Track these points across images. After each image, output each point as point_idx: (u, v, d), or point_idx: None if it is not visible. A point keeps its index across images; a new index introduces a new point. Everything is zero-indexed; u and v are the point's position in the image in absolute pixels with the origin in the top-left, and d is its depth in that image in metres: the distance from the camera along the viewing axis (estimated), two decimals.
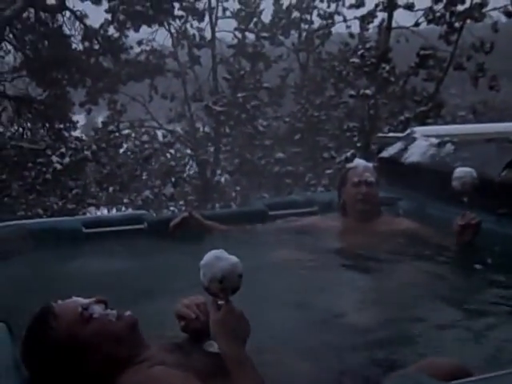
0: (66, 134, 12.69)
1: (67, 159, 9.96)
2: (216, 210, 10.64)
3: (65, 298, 2.25)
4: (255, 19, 13.93)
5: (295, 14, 14.40)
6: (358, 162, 4.01)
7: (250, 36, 14.13)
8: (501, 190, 3.59)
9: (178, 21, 13.66)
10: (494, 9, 11.43)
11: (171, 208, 14.10)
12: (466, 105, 20.25)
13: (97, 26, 12.29)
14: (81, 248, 3.85)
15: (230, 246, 2.02)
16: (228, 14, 14.19)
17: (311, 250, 3.78)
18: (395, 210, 4.30)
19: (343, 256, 3.79)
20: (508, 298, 2.99)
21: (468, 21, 11.42)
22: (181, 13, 13.36)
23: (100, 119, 20.11)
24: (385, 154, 4.90)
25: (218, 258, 1.81)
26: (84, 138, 12.95)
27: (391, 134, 6.78)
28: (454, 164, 4.06)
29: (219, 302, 1.85)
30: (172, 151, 15.48)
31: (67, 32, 12.38)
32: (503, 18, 11.82)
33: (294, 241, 3.95)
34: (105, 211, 14.35)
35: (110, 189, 12.67)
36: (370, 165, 3.96)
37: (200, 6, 13.61)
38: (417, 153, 4.50)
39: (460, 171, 3.36)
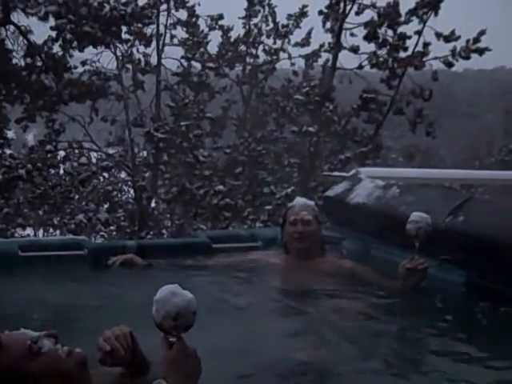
0: (0, 151, 12.30)
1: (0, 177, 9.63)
2: (159, 239, 10.45)
3: None
4: (202, 49, 13.99)
5: (241, 47, 14.55)
6: (298, 200, 4.03)
7: (196, 65, 14.17)
8: (444, 236, 3.65)
9: (124, 44, 13.56)
10: (435, 58, 11.86)
11: (101, 233, 13.83)
12: (398, 147, 20.90)
13: (41, 42, 12.05)
14: (16, 272, 3.70)
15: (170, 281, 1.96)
16: (175, 41, 14.20)
17: (250, 288, 3.75)
18: (339, 249, 4.32)
19: (281, 295, 3.77)
20: (441, 340, 3.04)
21: (409, 67, 11.80)
22: (128, 37, 13.29)
23: (30, 136, 19.62)
24: (330, 192, 4.94)
25: (173, 293, 1.75)
26: (15, 155, 12.57)
27: (336, 173, 6.86)
28: (399, 207, 4.14)
29: (171, 339, 1.78)
30: (105, 175, 15.23)
31: (9, 46, 12.08)
32: (436, 67, 12.33)
33: (234, 279, 3.91)
34: (32, 233, 13.95)
35: (42, 210, 12.31)
36: (311, 203, 3.96)
37: (148, 31, 13.57)
38: (362, 194, 4.54)
39: (416, 216, 3.39)
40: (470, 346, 2.94)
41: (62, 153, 13.63)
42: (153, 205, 13.86)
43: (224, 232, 7.68)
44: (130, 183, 14.60)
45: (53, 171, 12.97)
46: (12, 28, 11.83)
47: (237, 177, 12.11)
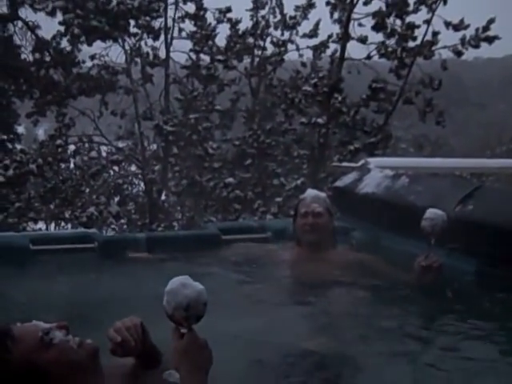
0: (10, 146, 12.38)
1: (10, 172, 9.68)
2: (169, 231, 10.49)
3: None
4: (210, 42, 13.96)
5: (249, 39, 14.51)
6: (309, 192, 4.03)
7: (205, 58, 14.15)
8: (454, 225, 3.64)
9: (132, 38, 13.56)
10: (444, 47, 11.79)
11: (112, 226, 13.88)
12: (408, 137, 20.82)
13: (49, 37, 12.09)
14: (28, 266, 3.74)
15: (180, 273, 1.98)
16: (184, 34, 14.16)
17: (261, 280, 3.77)
18: (348, 239, 4.33)
19: (292, 286, 3.79)
20: (452, 329, 3.04)
21: (418, 57, 11.74)
22: (136, 30, 13.28)
23: (41, 131, 19.70)
24: (339, 183, 4.95)
25: (183, 285, 1.76)
26: (26, 149, 12.64)
27: (345, 164, 6.85)
28: (408, 197, 4.14)
29: (182, 330, 1.79)
30: (115, 168, 15.26)
31: (18, 42, 12.16)
32: (445, 55, 12.25)
33: (245, 270, 3.93)
34: (44, 226, 14.02)
35: (53, 204, 12.37)
36: (322, 194, 3.96)
37: (156, 24, 13.55)
38: (371, 184, 4.55)
39: (432, 213, 3.36)
40: (481, 335, 2.95)
41: (72, 147, 13.70)
42: (163, 197, 13.90)
43: (234, 223, 7.71)
44: (140, 176, 14.65)
45: (64, 165, 13.03)
46: (20, 24, 11.91)
47: (246, 169, 12.11)
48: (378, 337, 2.94)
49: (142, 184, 14.32)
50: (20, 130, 14.71)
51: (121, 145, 14.83)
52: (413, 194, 4.11)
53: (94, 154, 13.09)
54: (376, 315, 3.22)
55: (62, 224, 13.61)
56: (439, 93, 12.10)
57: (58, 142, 11.33)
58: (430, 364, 2.63)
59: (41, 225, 13.77)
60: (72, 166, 13.08)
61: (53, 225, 14.34)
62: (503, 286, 3.28)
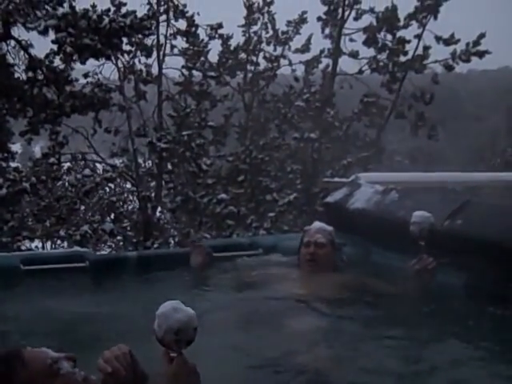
0: (4, 165, 12.35)
1: (4, 190, 9.68)
2: (160, 249, 10.48)
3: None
4: (202, 58, 14.04)
5: (242, 55, 14.60)
6: (315, 224, 4.09)
7: (197, 74, 14.22)
8: (443, 239, 3.66)
9: (125, 55, 13.64)
10: (435, 61, 11.89)
11: (108, 243, 13.87)
12: (403, 151, 20.90)
13: (42, 56, 12.12)
14: (18, 286, 3.73)
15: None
16: (176, 51, 14.26)
17: (258, 297, 3.77)
18: (339, 255, 4.33)
19: (289, 302, 3.78)
20: (442, 343, 3.05)
21: (409, 71, 11.83)
22: (129, 48, 13.35)
23: (37, 149, 19.70)
24: (330, 199, 4.96)
25: (175, 309, 1.78)
26: (20, 168, 12.64)
27: (336, 179, 6.89)
28: (398, 212, 4.16)
29: (171, 355, 1.82)
30: (110, 185, 15.27)
31: (11, 61, 12.16)
32: (439, 70, 12.32)
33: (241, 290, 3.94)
34: (40, 245, 13.99)
35: (48, 222, 12.36)
36: (328, 228, 4.01)
37: (148, 42, 13.63)
38: (362, 199, 4.56)
39: (417, 216, 3.42)
40: (470, 349, 2.96)
41: (67, 165, 13.70)
42: (158, 214, 13.90)
43: (225, 241, 7.69)
44: (134, 193, 14.65)
45: (59, 183, 13.03)
46: (13, 43, 11.92)
47: (240, 185, 12.13)
48: (369, 351, 2.95)
49: (137, 201, 14.32)
50: (16, 148, 14.71)
51: (115, 162, 14.86)
52: (402, 209, 4.12)
53: (87, 171, 13.07)
54: (371, 332, 3.22)
55: (59, 242, 13.61)
56: (434, 106, 12.21)
57: (52, 160, 11.33)
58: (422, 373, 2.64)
59: (36, 243, 13.75)
60: (66, 184, 13.07)
61: (49, 243, 14.33)
62: (492, 299, 3.29)
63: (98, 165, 14.85)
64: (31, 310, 3.41)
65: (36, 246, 13.48)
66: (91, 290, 3.84)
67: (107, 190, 15.37)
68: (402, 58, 11.85)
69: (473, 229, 3.58)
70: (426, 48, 11.63)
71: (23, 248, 11.62)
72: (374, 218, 4.29)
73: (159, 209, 13.81)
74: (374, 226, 4.24)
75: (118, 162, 15.18)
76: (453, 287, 3.49)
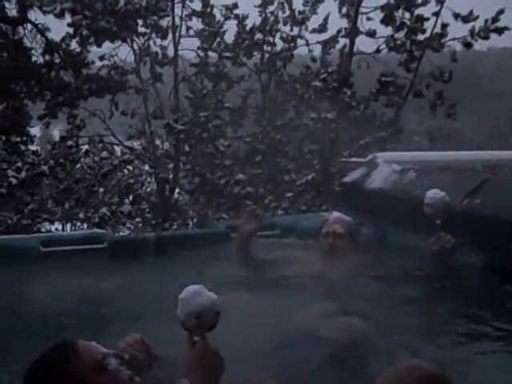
0: (23, 148, 12.45)
1: (23, 173, 9.75)
2: (177, 230, 10.54)
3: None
4: (218, 39, 13.95)
5: (258, 35, 14.49)
6: (334, 214, 4.11)
7: (213, 55, 14.15)
8: (461, 219, 3.64)
9: (141, 38, 13.60)
10: (453, 39, 11.71)
11: (128, 225, 13.94)
12: (422, 130, 20.70)
13: (58, 39, 12.14)
14: (38, 267, 3.78)
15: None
16: (191, 32, 14.17)
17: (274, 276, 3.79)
18: (357, 235, 4.33)
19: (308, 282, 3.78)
20: (459, 322, 3.05)
21: (427, 50, 11.67)
22: (144, 30, 13.31)
23: (56, 132, 19.83)
24: (347, 179, 4.96)
25: (196, 293, 1.80)
26: (40, 151, 12.72)
27: (354, 159, 6.85)
28: (415, 191, 4.14)
29: (195, 339, 1.82)
30: (129, 168, 15.32)
31: (28, 44, 12.21)
32: (458, 47, 12.17)
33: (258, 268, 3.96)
34: (59, 227, 14.13)
35: (67, 204, 12.45)
36: (347, 218, 4.02)
37: (163, 23, 13.56)
38: (379, 179, 4.55)
39: (430, 197, 3.40)
40: (488, 327, 2.95)
41: (86, 147, 13.77)
42: (176, 196, 13.93)
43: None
44: (152, 175, 14.69)
45: (77, 166, 13.10)
46: (30, 26, 11.95)
47: (257, 165, 12.11)
48: (388, 330, 2.95)
49: (155, 183, 14.37)
50: (36, 131, 14.81)
51: (133, 144, 14.89)
52: (420, 189, 4.10)
53: (104, 154, 13.12)
54: (390, 308, 3.23)
55: (78, 224, 13.71)
56: (453, 84, 12.05)
57: (69, 143, 11.40)
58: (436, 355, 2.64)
59: (56, 225, 13.87)
60: (84, 166, 13.15)
61: (68, 226, 14.45)
62: (510, 278, 3.28)
63: (116, 147, 14.92)
64: (50, 291, 3.46)
65: (56, 229, 13.60)
66: (109, 271, 3.89)
67: (126, 172, 15.44)
68: (420, 37, 11.66)
69: (491, 208, 3.56)
70: (444, 26, 11.44)
71: (43, 230, 11.74)
72: (392, 198, 4.28)
73: (177, 190, 13.83)
74: (392, 205, 4.23)
75: (136, 144, 15.23)
76: (471, 267, 3.48)
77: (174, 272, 3.72)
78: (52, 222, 12.85)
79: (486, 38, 11.19)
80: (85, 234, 4.50)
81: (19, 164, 9.89)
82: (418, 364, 1.80)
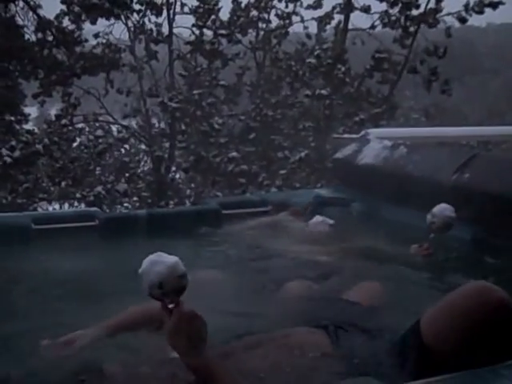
0: (17, 127, 12.42)
1: (18, 152, 9.74)
2: (169, 208, 10.55)
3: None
4: (213, 16, 13.87)
5: (253, 12, 14.40)
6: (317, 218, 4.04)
7: (208, 33, 14.07)
8: (451, 194, 3.65)
9: (135, 15, 13.51)
10: (448, 14, 11.66)
11: (125, 204, 13.96)
12: (420, 107, 20.69)
13: (51, 17, 12.06)
14: (30, 245, 3.78)
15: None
16: (186, 9, 14.08)
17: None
18: (348, 211, 4.35)
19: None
20: None
21: (423, 25, 11.62)
22: (138, 7, 13.23)
23: (54, 111, 19.78)
24: (339, 155, 4.95)
25: (153, 263, 1.74)
26: (37, 130, 12.69)
27: (346, 135, 6.85)
28: (405, 167, 4.15)
29: (170, 306, 1.76)
30: (126, 146, 15.30)
31: (20, 22, 12.12)
32: (457, 24, 12.09)
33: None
34: (57, 206, 14.13)
35: (63, 183, 12.45)
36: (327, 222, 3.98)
37: (158, 0, 13.48)
38: (370, 155, 4.55)
39: (436, 210, 3.36)
40: None
41: (81, 126, 13.74)
42: (172, 174, 13.93)
43: (234, 198, 7.72)
44: (148, 154, 14.68)
45: (74, 145, 13.08)
46: (21, 4, 11.86)
47: (252, 143, 12.10)
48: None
49: (149, 161, 14.36)
50: (33, 111, 14.76)
51: (131, 122, 14.86)
52: (411, 164, 4.11)
53: (99, 132, 13.10)
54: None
55: (76, 204, 13.72)
56: (450, 60, 12.02)
57: (63, 121, 11.37)
58: None
59: (55, 205, 13.88)
60: (79, 145, 13.12)
61: (66, 205, 14.43)
62: (500, 253, 3.30)
63: (112, 126, 14.88)
64: (42, 268, 3.46)
65: (54, 208, 13.61)
66: (101, 249, 3.88)
67: (123, 151, 15.42)
68: (415, 12, 11.64)
69: (481, 182, 3.57)
70: (439, 0, 11.40)
71: (40, 210, 11.75)
72: (382, 174, 4.28)
73: (173, 169, 13.84)
74: (383, 181, 4.24)
75: (133, 122, 15.20)
76: (461, 241, 3.50)
77: (166, 249, 3.72)
78: (50, 202, 12.86)
79: (481, 12, 11.15)
80: (76, 212, 4.50)
81: (13, 143, 9.86)
82: (489, 285, 1.79)
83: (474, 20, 11.73)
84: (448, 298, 1.86)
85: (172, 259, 1.75)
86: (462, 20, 11.44)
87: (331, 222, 3.94)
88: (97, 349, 2.21)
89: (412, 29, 11.59)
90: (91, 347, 2.19)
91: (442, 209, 3.34)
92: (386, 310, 2.70)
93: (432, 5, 11.46)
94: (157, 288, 1.72)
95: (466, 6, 11.33)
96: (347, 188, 4.56)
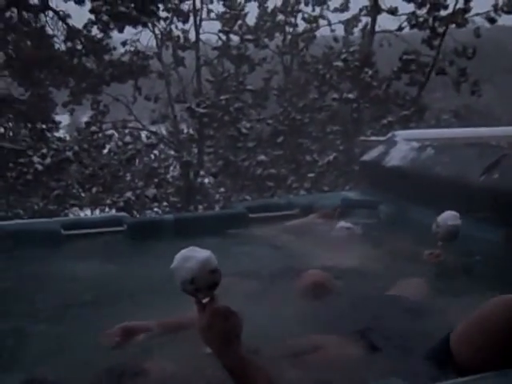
0: (49, 135, 12.60)
1: (49, 160, 9.88)
2: (197, 212, 10.60)
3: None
4: (240, 21, 13.92)
5: (280, 17, 14.42)
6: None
7: (235, 38, 14.13)
8: (480, 194, 3.61)
9: (162, 22, 13.64)
10: (477, 14, 11.53)
11: (155, 209, 14.06)
12: (451, 108, 20.45)
13: (80, 26, 12.25)
14: (59, 250, 3.83)
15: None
16: (213, 15, 14.17)
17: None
18: (376, 213, 4.33)
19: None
20: (477, 298, 3.02)
21: (451, 26, 11.50)
22: (165, 14, 13.35)
23: (85, 119, 20.06)
24: (366, 157, 4.94)
25: (184, 258, 1.74)
26: (68, 138, 12.88)
27: (373, 138, 6.81)
28: (433, 168, 4.11)
29: (204, 301, 1.75)
30: (155, 152, 15.42)
31: (50, 32, 12.31)
32: (487, 24, 11.94)
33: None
34: (88, 212, 14.30)
35: (93, 190, 12.60)
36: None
37: (185, 7, 13.60)
38: (397, 157, 4.52)
39: (441, 218, 3.32)
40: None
41: (111, 133, 13.89)
42: (200, 179, 13.99)
43: (261, 201, 7.72)
44: (176, 159, 14.77)
45: (104, 151, 13.23)
46: (51, 14, 12.05)
47: (279, 146, 12.10)
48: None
49: (178, 167, 14.46)
50: (65, 119, 14.97)
51: (157, 129, 14.97)
52: (438, 165, 4.07)
53: (128, 138, 13.24)
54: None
55: (107, 210, 13.85)
56: (481, 61, 11.89)
57: (93, 128, 11.51)
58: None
59: (87, 212, 14.04)
60: (109, 151, 13.27)
61: (97, 211, 14.58)
62: None
63: (141, 133, 15.03)
64: (71, 273, 3.50)
65: (85, 214, 13.78)
66: (129, 253, 3.92)
67: (152, 157, 15.55)
68: (443, 13, 11.51)
69: (509, 183, 3.52)
70: (467, 1, 11.27)
71: (71, 216, 11.90)
72: (410, 175, 4.25)
73: (202, 173, 13.90)
74: (410, 183, 4.21)
75: (162, 128, 15.32)
76: (489, 242, 3.45)
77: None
78: (81, 208, 13.02)
79: (510, 12, 10.99)
80: (104, 217, 4.56)
81: (44, 150, 10.01)
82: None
83: (506, 20, 11.60)
84: (477, 313, 1.84)
85: (204, 254, 1.74)
86: (491, 20, 11.30)
87: (353, 226, 3.91)
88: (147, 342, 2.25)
89: (440, 29, 11.46)
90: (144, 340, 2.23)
91: (446, 218, 3.30)
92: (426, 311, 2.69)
93: (460, 5, 11.34)
94: (189, 284, 1.72)
95: (495, 6, 11.19)
96: (374, 190, 4.54)
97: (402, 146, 4.58)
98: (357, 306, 2.63)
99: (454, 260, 3.37)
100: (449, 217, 3.30)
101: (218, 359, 1.72)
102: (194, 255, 1.74)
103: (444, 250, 3.31)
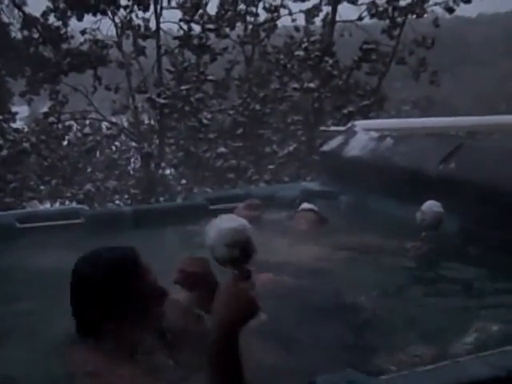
0: (5, 125, 12.34)
1: (5, 151, 9.66)
2: (156, 203, 10.50)
3: None
4: (201, 11, 13.78)
5: (241, 6, 14.33)
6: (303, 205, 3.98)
7: (196, 28, 14.00)
8: (437, 184, 3.64)
9: (122, 10, 13.40)
10: (435, 4, 11.66)
11: (116, 202, 13.91)
12: (411, 99, 20.69)
13: (37, 14, 11.98)
14: (14, 243, 3.74)
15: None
16: (173, 4, 14.00)
17: None
18: (336, 204, 4.33)
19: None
20: (434, 286, 3.06)
21: (411, 16, 11.60)
22: (125, 2, 13.13)
23: (45, 109, 19.70)
24: (326, 147, 4.93)
25: (211, 226, 1.64)
26: (26, 129, 12.61)
27: (333, 128, 6.82)
28: (393, 158, 4.13)
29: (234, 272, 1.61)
30: (116, 144, 15.23)
31: (6, 20, 12.03)
32: (447, 15, 12.07)
33: None
34: (47, 205, 14.08)
35: (52, 182, 12.39)
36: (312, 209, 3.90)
37: None
38: (357, 147, 4.53)
39: (426, 206, 3.32)
40: (462, 292, 2.96)
41: (71, 123, 13.65)
42: (161, 171, 13.87)
43: (221, 193, 7.69)
44: (137, 150, 14.62)
45: (65, 142, 13.01)
46: (6, 1, 11.78)
47: (239, 138, 12.05)
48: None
49: (139, 158, 14.31)
50: (23, 109, 14.67)
51: (118, 120, 14.77)
52: (397, 155, 4.09)
53: (87, 130, 13.03)
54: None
55: (67, 202, 13.66)
56: (440, 52, 12.02)
57: (51, 119, 11.29)
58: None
59: (47, 204, 13.82)
60: (68, 143, 13.06)
61: (57, 204, 14.36)
62: (486, 244, 3.28)
63: (102, 124, 14.81)
64: (27, 266, 3.43)
65: (45, 208, 13.54)
66: (87, 246, 3.84)
67: (113, 149, 15.35)
68: (402, 2, 11.62)
69: (466, 172, 3.55)
70: None
71: (29, 209, 11.67)
72: (369, 166, 4.26)
73: (163, 165, 13.78)
74: (369, 173, 4.21)
75: (123, 119, 15.11)
76: (447, 231, 3.48)
77: (151, 246, 3.69)
78: (40, 201, 12.79)
79: (468, 1, 11.12)
80: (61, 210, 4.46)
81: (0, 142, 9.80)
82: None
83: (465, 11, 11.75)
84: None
85: (226, 224, 1.63)
86: (450, 10, 11.42)
87: (316, 208, 3.89)
88: None
89: (400, 19, 11.56)
90: None
91: (431, 205, 3.31)
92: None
93: None
94: (211, 252, 1.63)
95: None
96: (334, 180, 4.54)
97: (362, 136, 4.58)
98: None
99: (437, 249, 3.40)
100: (434, 203, 3.32)
101: (216, 329, 1.59)
102: (219, 225, 1.63)
103: (427, 241, 3.33)
